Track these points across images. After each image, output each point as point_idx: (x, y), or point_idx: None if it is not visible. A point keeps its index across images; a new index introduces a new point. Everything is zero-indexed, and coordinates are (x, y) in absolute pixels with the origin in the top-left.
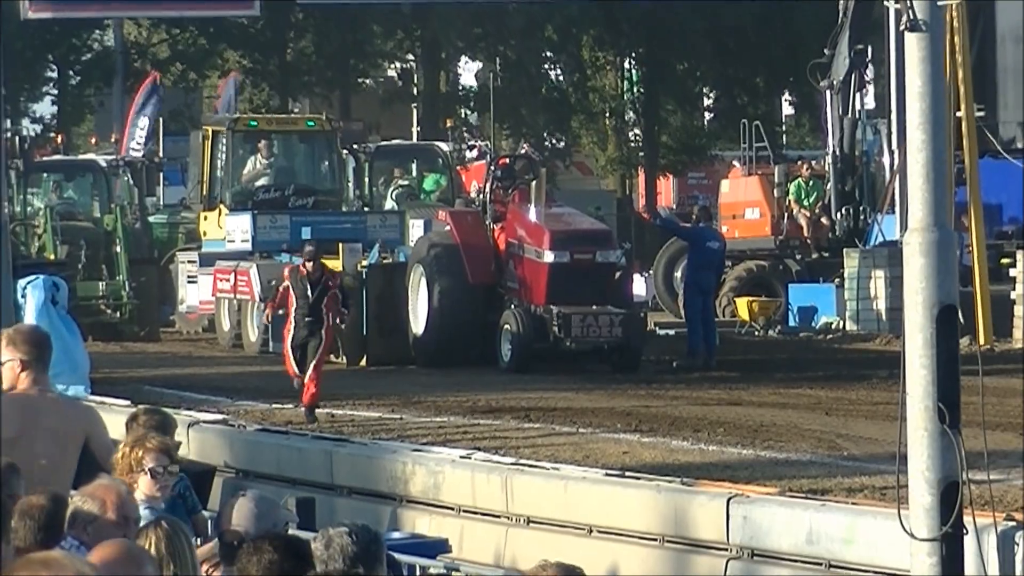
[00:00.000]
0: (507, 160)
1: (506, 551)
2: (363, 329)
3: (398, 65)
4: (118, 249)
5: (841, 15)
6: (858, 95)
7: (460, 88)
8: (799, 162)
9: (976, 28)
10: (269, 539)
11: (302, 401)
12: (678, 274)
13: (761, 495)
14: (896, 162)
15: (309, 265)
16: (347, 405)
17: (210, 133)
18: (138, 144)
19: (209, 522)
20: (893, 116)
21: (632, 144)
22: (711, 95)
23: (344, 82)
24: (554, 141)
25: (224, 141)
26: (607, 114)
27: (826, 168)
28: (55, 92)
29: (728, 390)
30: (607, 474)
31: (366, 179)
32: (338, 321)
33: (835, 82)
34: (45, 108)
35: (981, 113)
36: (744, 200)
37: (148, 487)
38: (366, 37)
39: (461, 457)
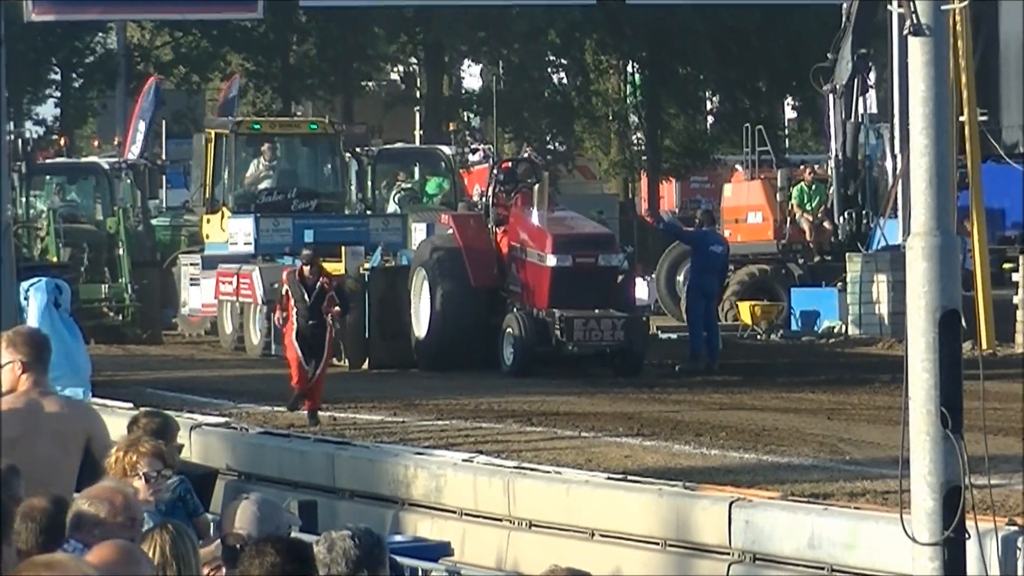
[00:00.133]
0: (510, 164)
1: (508, 555)
2: (365, 332)
3: (401, 68)
4: (121, 252)
5: (844, 19)
6: (861, 99)
7: (463, 91)
8: (802, 166)
9: (979, 32)
10: (271, 542)
11: (294, 385)
12: (680, 278)
13: (763, 499)
14: (899, 166)
15: (307, 269)
16: (349, 408)
17: (213, 136)
18: (137, 148)
19: (212, 524)
20: (896, 120)
21: (635, 148)
22: (714, 99)
23: (347, 85)
24: (556, 145)
25: (227, 144)
26: (610, 118)
27: (829, 172)
28: (58, 94)
29: (730, 394)
30: (609, 478)
31: (369, 182)
32: (335, 320)
33: (838, 86)
34: (48, 110)
35: (984, 117)
36: (747, 204)
37: (142, 491)
38: (369, 40)
39: (463, 460)
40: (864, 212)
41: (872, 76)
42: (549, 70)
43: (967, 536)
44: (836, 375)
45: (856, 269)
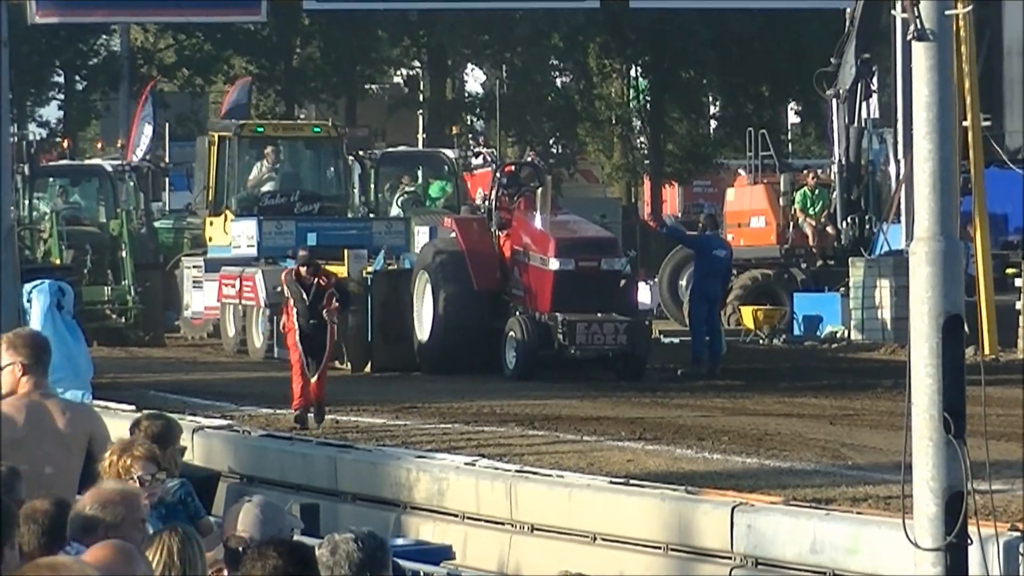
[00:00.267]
0: (513, 167)
1: (510, 558)
2: (368, 335)
3: (404, 72)
4: (123, 254)
5: (848, 24)
6: (864, 104)
7: (466, 95)
8: (805, 171)
9: (983, 37)
10: (274, 545)
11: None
12: (683, 282)
13: (765, 504)
14: (902, 171)
15: (304, 270)
16: (352, 411)
17: (216, 139)
18: (141, 151)
19: (216, 527)
20: (899, 125)
21: (638, 152)
22: (717, 103)
23: (350, 88)
24: (559, 148)
25: (230, 147)
26: (613, 122)
27: (832, 177)
28: (61, 97)
29: (733, 399)
30: (611, 482)
31: (372, 185)
32: (334, 316)
33: (841, 91)
34: (51, 113)
35: (987, 123)
36: (749, 209)
37: None
38: (372, 43)
39: (465, 464)
40: (867, 217)
41: (875, 81)
42: (553, 73)
43: (969, 541)
44: (838, 380)
45: (859, 274)
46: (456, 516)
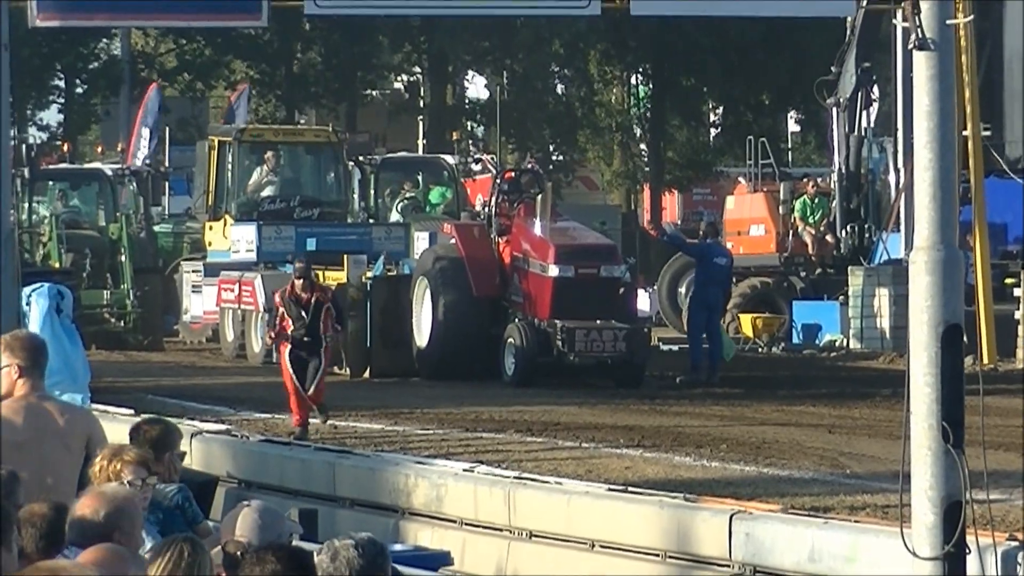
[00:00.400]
0: (513, 173)
1: (508, 565)
2: (367, 341)
3: (405, 77)
4: (123, 258)
5: (849, 33)
6: (864, 113)
7: (467, 101)
8: (805, 179)
9: (984, 48)
10: (272, 550)
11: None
12: (682, 289)
13: (764, 512)
14: (902, 180)
15: (299, 282)
16: (350, 417)
17: (216, 143)
18: (143, 155)
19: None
20: (899, 134)
21: (638, 159)
22: (717, 111)
23: (351, 94)
24: (559, 155)
25: (230, 151)
26: (613, 129)
27: (832, 185)
28: (62, 100)
29: (731, 406)
30: (610, 489)
31: (372, 191)
32: (331, 336)
33: (842, 99)
34: (52, 116)
35: (987, 132)
36: (749, 217)
37: None
38: (373, 49)
39: (464, 470)
40: (867, 226)
41: (876, 90)
42: (555, 80)
43: (967, 551)
44: (837, 388)
45: (858, 283)
46: (454, 522)
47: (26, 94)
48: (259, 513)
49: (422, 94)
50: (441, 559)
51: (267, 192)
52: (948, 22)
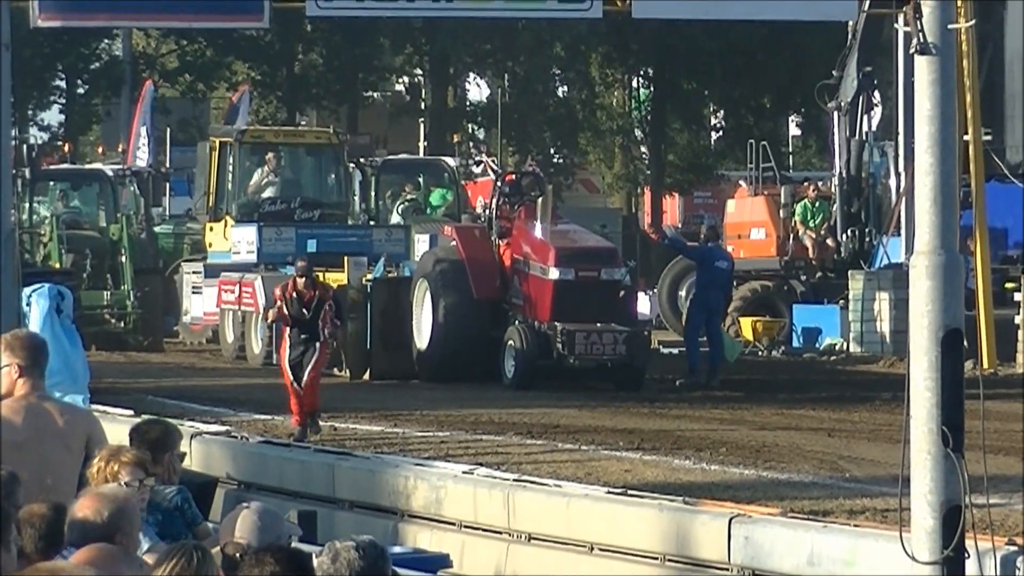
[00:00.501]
0: (514, 176)
1: (507, 567)
2: (367, 343)
3: (406, 79)
4: (123, 259)
5: (850, 36)
6: (865, 117)
7: (468, 103)
8: (805, 183)
9: (985, 53)
10: (271, 552)
11: (295, 418)
12: (683, 292)
13: (763, 515)
14: (902, 184)
15: (301, 281)
16: (350, 419)
17: (217, 144)
18: (142, 155)
19: (213, 533)
20: (900, 138)
21: (639, 162)
22: (718, 115)
23: (352, 95)
24: (560, 158)
25: (231, 152)
26: (614, 131)
27: (832, 189)
28: (63, 101)
29: (731, 410)
30: (609, 492)
31: (372, 193)
32: (330, 335)
33: (843, 103)
34: (53, 117)
35: (988, 137)
36: (750, 220)
37: None
38: (374, 51)
39: (463, 472)
40: (867, 230)
41: (877, 94)
42: (556, 82)
43: (967, 555)
44: (837, 392)
45: (858, 287)
46: (454, 524)
47: (27, 94)
48: (258, 515)
49: (423, 96)
50: (440, 561)
51: (268, 193)
52: (949, 27)
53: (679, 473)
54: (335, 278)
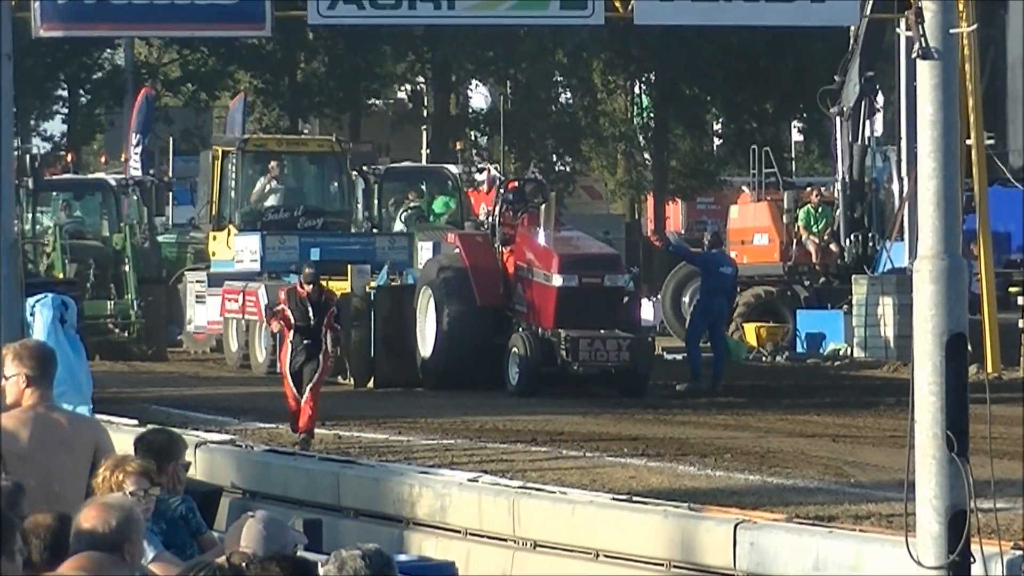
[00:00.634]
0: (517, 183)
1: (512, 575)
2: (371, 351)
3: (408, 87)
4: (127, 268)
5: (852, 41)
6: (868, 122)
7: (470, 111)
8: (808, 188)
9: (987, 57)
10: (277, 560)
11: (298, 427)
12: (686, 299)
13: (768, 521)
14: (905, 189)
15: (308, 288)
16: (354, 427)
17: (220, 153)
18: (135, 163)
19: (218, 542)
20: (903, 143)
21: (641, 168)
22: (720, 121)
23: (354, 103)
24: (563, 165)
25: (234, 161)
26: (617, 138)
27: (835, 195)
28: (65, 111)
29: (735, 416)
30: (614, 498)
31: (375, 201)
32: (333, 343)
33: (845, 109)
34: (55, 126)
35: (991, 141)
36: (753, 226)
37: None
38: (377, 59)
39: (468, 480)
40: (870, 235)
41: (879, 99)
42: (559, 89)
43: (972, 560)
44: (841, 398)
45: (862, 292)
46: (459, 532)
47: (30, 104)
48: (263, 523)
49: (426, 104)
50: (446, 569)
51: (271, 202)
52: (951, 31)
53: (684, 479)
54: (338, 286)
